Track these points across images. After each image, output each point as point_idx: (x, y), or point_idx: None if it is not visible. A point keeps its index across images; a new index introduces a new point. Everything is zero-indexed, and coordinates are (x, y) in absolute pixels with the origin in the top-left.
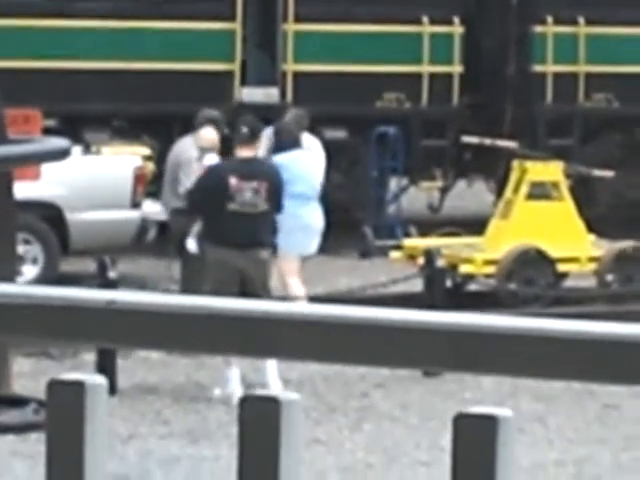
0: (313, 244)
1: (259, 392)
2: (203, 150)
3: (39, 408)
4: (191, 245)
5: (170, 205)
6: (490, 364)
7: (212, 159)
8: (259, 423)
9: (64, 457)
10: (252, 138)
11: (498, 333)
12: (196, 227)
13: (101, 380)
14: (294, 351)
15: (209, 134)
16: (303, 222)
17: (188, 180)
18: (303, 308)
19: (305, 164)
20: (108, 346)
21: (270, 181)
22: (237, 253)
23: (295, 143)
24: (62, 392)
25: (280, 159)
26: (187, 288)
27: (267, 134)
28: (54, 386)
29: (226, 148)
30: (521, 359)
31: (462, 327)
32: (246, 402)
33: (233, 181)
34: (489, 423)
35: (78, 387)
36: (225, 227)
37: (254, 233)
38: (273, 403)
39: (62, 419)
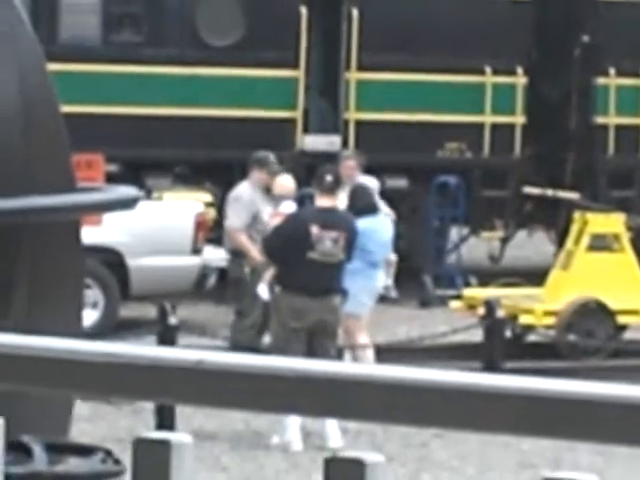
0: (372, 303)
1: (344, 453)
2: (280, 197)
3: (106, 457)
4: (263, 291)
5: (226, 247)
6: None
7: (289, 207)
8: None
9: None
10: (335, 187)
11: (566, 398)
12: (268, 273)
13: (187, 439)
14: (367, 412)
15: (286, 182)
16: (373, 287)
17: (234, 216)
18: (373, 370)
19: (384, 233)
20: (195, 405)
21: (348, 232)
22: (312, 301)
23: (373, 208)
24: (148, 450)
25: (362, 226)
26: (236, 335)
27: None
28: (140, 444)
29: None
30: (597, 424)
31: (532, 392)
32: (331, 463)
33: (315, 230)
34: None
35: (164, 446)
36: (302, 275)
37: (330, 281)
38: (358, 465)
39: (148, 478)
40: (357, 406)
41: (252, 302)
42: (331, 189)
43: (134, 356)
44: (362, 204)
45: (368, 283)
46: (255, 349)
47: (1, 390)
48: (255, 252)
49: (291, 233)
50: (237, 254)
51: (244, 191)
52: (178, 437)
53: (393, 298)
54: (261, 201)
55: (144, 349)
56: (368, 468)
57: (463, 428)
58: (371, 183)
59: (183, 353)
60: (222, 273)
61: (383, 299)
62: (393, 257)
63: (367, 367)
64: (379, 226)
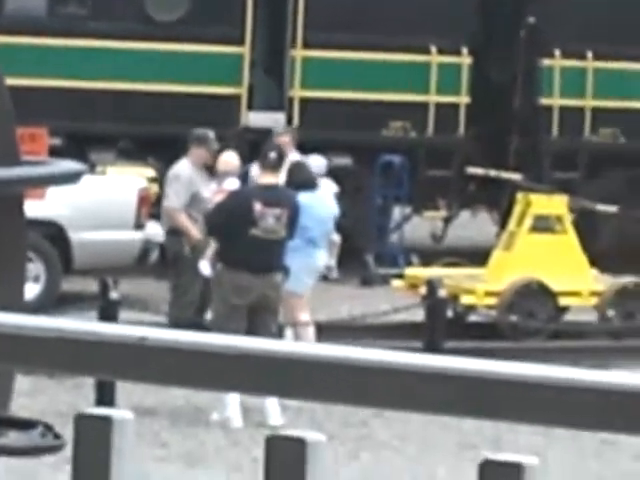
0: (312, 281)
1: (285, 432)
2: (224, 174)
3: (46, 432)
4: (204, 268)
5: (164, 224)
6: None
7: (233, 183)
8: (284, 464)
9: None
10: (278, 164)
11: (507, 380)
12: (210, 250)
13: (128, 415)
14: (311, 392)
15: (230, 158)
16: (312, 266)
17: (174, 195)
18: (320, 349)
19: (321, 208)
20: (137, 382)
21: (291, 209)
22: (254, 277)
23: (311, 184)
24: (89, 426)
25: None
26: (175, 312)
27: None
28: (81, 420)
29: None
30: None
31: (473, 373)
32: (273, 441)
33: (257, 207)
34: (515, 471)
35: (105, 421)
36: (245, 251)
37: (272, 258)
38: (299, 444)
39: (89, 454)
40: (297, 385)
41: (191, 279)
42: (274, 166)
43: (77, 331)
44: (299, 180)
45: (307, 261)
46: (195, 326)
47: None
48: (195, 231)
49: (234, 210)
50: (175, 232)
51: (183, 170)
52: (119, 413)
53: (334, 278)
54: (200, 180)
55: (88, 324)
56: (309, 447)
57: (403, 408)
58: (319, 162)
59: (127, 329)
60: (164, 249)
61: (324, 278)
62: (336, 238)
63: (307, 346)
64: (316, 202)
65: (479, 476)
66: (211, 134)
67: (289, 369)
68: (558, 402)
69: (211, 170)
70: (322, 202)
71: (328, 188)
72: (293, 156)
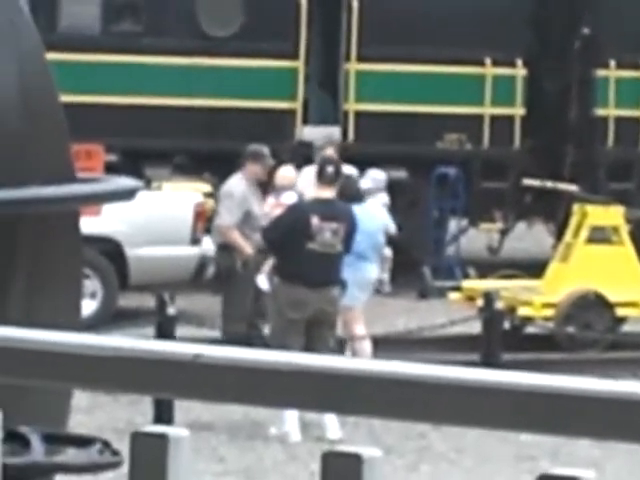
0: (365, 295)
1: (341, 448)
2: (282, 188)
3: (104, 448)
4: (262, 282)
5: (215, 240)
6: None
7: (290, 197)
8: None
9: None
10: (335, 179)
11: (564, 394)
12: (268, 264)
13: (184, 432)
14: (367, 407)
15: (287, 172)
16: (362, 279)
17: (226, 212)
18: (377, 365)
19: (368, 222)
20: (193, 400)
21: (348, 223)
22: (311, 292)
23: (358, 196)
24: (145, 444)
25: None
26: (229, 327)
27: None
28: (137, 437)
29: (270, 181)
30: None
31: (527, 387)
32: (327, 458)
33: (315, 221)
34: None
35: (161, 439)
36: (302, 266)
37: (329, 272)
38: (355, 460)
39: (145, 471)
40: (355, 401)
41: (243, 294)
42: (331, 180)
43: (132, 349)
44: (347, 192)
45: (357, 274)
46: (249, 340)
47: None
48: (248, 248)
49: (291, 224)
50: (227, 247)
51: (236, 187)
52: (175, 431)
53: (387, 292)
54: (253, 196)
55: (142, 342)
56: (365, 463)
57: (461, 423)
58: (379, 176)
59: (181, 347)
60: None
61: (378, 292)
62: (388, 252)
63: (365, 362)
64: (363, 215)
65: None
66: (266, 150)
67: (346, 385)
68: (614, 416)
69: (264, 186)
70: (369, 215)
71: (378, 201)
72: (345, 169)
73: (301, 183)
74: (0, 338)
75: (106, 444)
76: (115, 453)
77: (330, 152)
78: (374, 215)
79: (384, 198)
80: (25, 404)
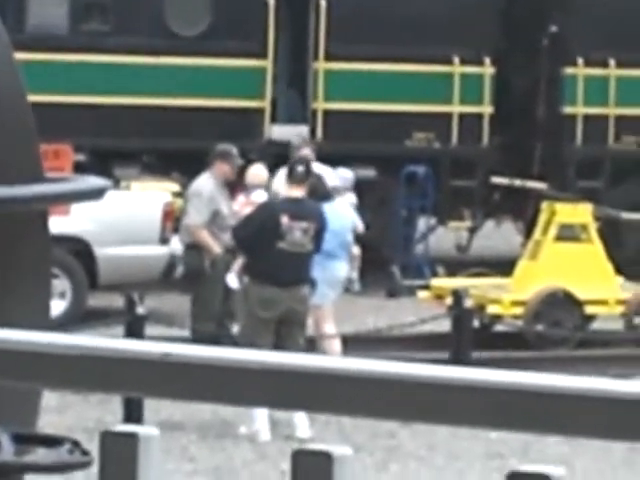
0: (335, 293)
1: (311, 446)
2: (252, 187)
3: (73, 448)
4: (232, 281)
5: (183, 240)
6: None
7: (261, 196)
8: (311, 478)
9: None
10: (305, 178)
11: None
12: (238, 263)
13: (154, 431)
14: (338, 406)
15: (259, 171)
16: (331, 278)
17: (195, 212)
18: (346, 363)
19: (335, 221)
20: (161, 398)
21: (318, 222)
22: (282, 291)
23: (326, 196)
24: (115, 443)
25: None
26: (198, 326)
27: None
28: (107, 437)
29: (238, 180)
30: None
31: (497, 385)
32: (299, 456)
33: (285, 220)
34: None
35: (131, 438)
36: (272, 265)
37: (299, 271)
38: (325, 458)
39: (115, 470)
40: (324, 399)
41: (212, 293)
42: (302, 180)
43: (100, 348)
44: (317, 192)
45: (326, 273)
46: (218, 339)
47: None
48: (216, 247)
49: (261, 223)
50: (195, 246)
51: (204, 186)
52: (145, 430)
53: (356, 291)
54: (221, 196)
55: (110, 341)
56: (336, 461)
57: (430, 421)
58: (346, 174)
59: (149, 345)
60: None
61: (347, 291)
62: (356, 250)
63: (334, 360)
64: (331, 213)
65: None
66: (235, 150)
67: (316, 383)
68: (585, 413)
69: (232, 185)
70: (337, 214)
71: (346, 200)
72: (315, 168)
73: (276, 184)
74: None
75: (76, 444)
76: (85, 453)
77: (306, 151)
78: (342, 214)
79: (352, 197)
80: None
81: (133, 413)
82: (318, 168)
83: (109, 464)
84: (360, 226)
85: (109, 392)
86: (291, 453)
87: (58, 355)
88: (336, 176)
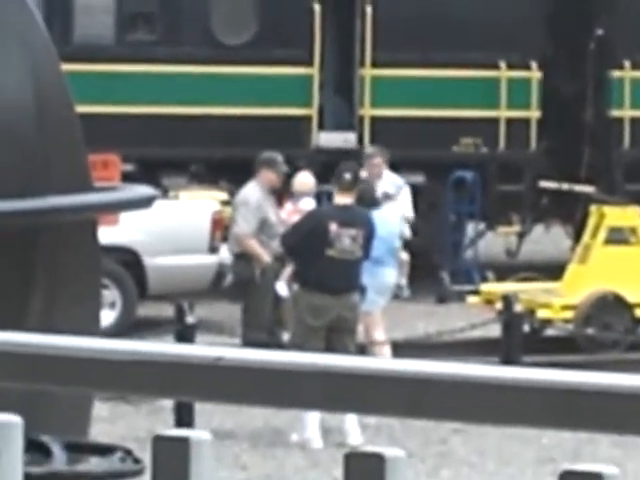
0: (385, 300)
1: (364, 449)
2: (300, 194)
3: (125, 456)
4: (282, 289)
5: (232, 249)
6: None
7: (309, 204)
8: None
9: None
10: (353, 185)
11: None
12: (287, 271)
13: (205, 436)
14: (387, 407)
15: (306, 179)
16: (380, 284)
17: (243, 221)
18: (393, 365)
19: (382, 227)
20: (214, 402)
21: (367, 229)
22: (331, 298)
23: (373, 202)
24: (167, 447)
25: None
26: (249, 334)
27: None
28: (159, 441)
29: (284, 188)
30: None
31: (554, 384)
32: (351, 458)
33: (333, 227)
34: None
35: (183, 443)
36: (321, 272)
37: (348, 279)
38: (378, 460)
39: (167, 475)
40: (377, 401)
41: (262, 302)
42: (350, 187)
43: (153, 353)
44: (365, 198)
45: (374, 280)
46: (269, 347)
47: (21, 390)
48: (266, 256)
49: (310, 230)
50: (244, 255)
51: (251, 195)
52: (197, 434)
53: (405, 297)
54: (268, 204)
55: (164, 346)
56: (388, 463)
57: (484, 422)
58: (398, 181)
59: (202, 350)
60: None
61: (396, 297)
62: (405, 256)
63: (387, 362)
64: (378, 220)
65: None
66: (280, 157)
67: (367, 385)
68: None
69: (278, 193)
70: (385, 220)
71: (394, 207)
72: (387, 176)
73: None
74: (20, 344)
75: (128, 452)
76: (137, 461)
77: (378, 161)
78: (389, 220)
79: (405, 206)
80: (47, 413)
81: (184, 422)
82: (387, 175)
83: (161, 468)
84: (407, 232)
85: (162, 397)
86: (343, 455)
87: (110, 361)
88: (390, 182)
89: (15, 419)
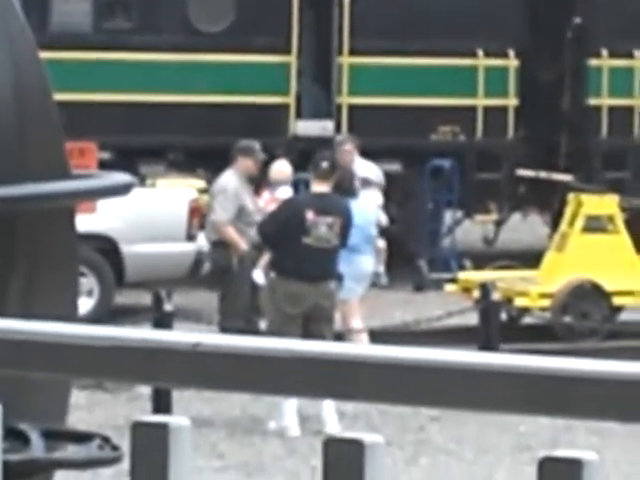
0: (362, 288)
1: (343, 435)
2: (276, 183)
3: (103, 444)
4: (258, 277)
5: (209, 237)
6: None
7: (286, 192)
8: (343, 466)
9: None
10: (330, 173)
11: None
12: (264, 259)
13: (185, 422)
14: (364, 393)
15: (283, 167)
16: (357, 272)
17: (220, 209)
18: (370, 350)
19: (358, 216)
20: (192, 388)
21: (344, 217)
22: (308, 286)
23: (351, 191)
24: (146, 433)
25: None
26: (226, 322)
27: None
28: (138, 427)
29: (262, 176)
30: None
31: (532, 370)
32: (330, 444)
33: (310, 215)
34: (575, 467)
35: (162, 429)
36: (298, 260)
37: (325, 267)
38: (357, 446)
39: (146, 461)
40: (355, 387)
41: (239, 290)
42: (326, 175)
43: (131, 339)
44: (343, 186)
45: (351, 268)
46: (245, 335)
47: None
48: (243, 244)
49: (287, 218)
50: (222, 243)
51: (229, 182)
52: (176, 420)
53: (383, 285)
54: (245, 192)
55: (142, 332)
56: (367, 449)
57: (462, 407)
58: (374, 170)
59: (180, 336)
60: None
61: (374, 285)
62: (382, 244)
63: (365, 347)
64: (354, 208)
65: (539, 474)
66: (257, 145)
67: (344, 370)
68: (614, 397)
69: (255, 181)
70: (360, 208)
71: (369, 195)
72: (358, 164)
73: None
74: None
75: (105, 439)
76: (115, 448)
77: (349, 147)
78: (365, 208)
79: (378, 196)
80: (24, 400)
81: (162, 410)
82: (360, 162)
83: (140, 455)
84: (384, 220)
85: (140, 383)
86: (322, 442)
87: (89, 347)
88: (370, 170)
89: None
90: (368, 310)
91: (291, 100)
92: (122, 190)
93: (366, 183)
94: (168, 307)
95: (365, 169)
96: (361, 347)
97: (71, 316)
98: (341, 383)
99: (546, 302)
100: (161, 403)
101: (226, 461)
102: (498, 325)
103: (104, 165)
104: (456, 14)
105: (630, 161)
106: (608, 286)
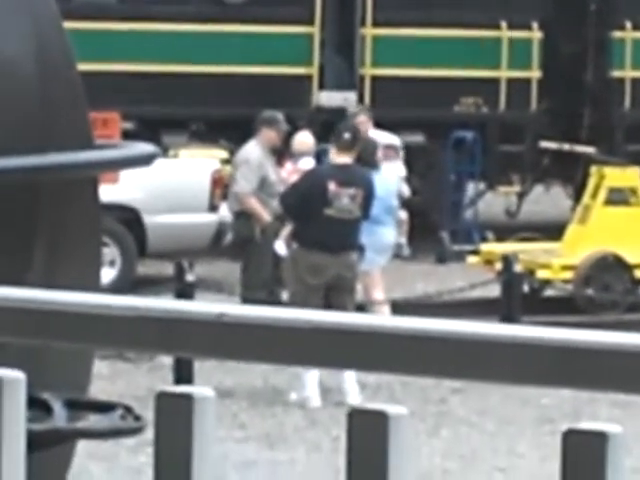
0: (384, 259)
1: (367, 406)
2: (299, 154)
3: (126, 414)
4: (280, 248)
5: (232, 208)
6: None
7: (308, 163)
8: (367, 437)
9: (172, 469)
10: (353, 144)
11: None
12: (286, 230)
13: (209, 392)
14: (386, 364)
15: (305, 138)
16: (378, 243)
17: (243, 179)
18: (400, 322)
19: (380, 185)
20: (216, 359)
21: (366, 189)
22: (330, 257)
23: (373, 163)
24: (170, 404)
25: None
26: (248, 293)
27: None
28: (162, 397)
29: (285, 147)
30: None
31: (554, 342)
32: (355, 415)
33: (332, 186)
34: (599, 439)
35: (186, 399)
36: (320, 231)
37: (347, 238)
38: (381, 417)
39: (170, 431)
40: (377, 358)
41: (262, 260)
42: (349, 146)
43: (155, 309)
44: (365, 157)
45: (372, 239)
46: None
47: (21, 346)
48: (266, 215)
49: (308, 190)
50: (244, 214)
51: (251, 153)
52: (201, 391)
53: (405, 256)
54: (268, 163)
55: (165, 302)
56: (392, 420)
57: (484, 380)
58: (394, 140)
59: (205, 306)
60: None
61: (397, 256)
62: (403, 215)
63: (387, 319)
64: (375, 179)
65: (563, 446)
66: (280, 116)
67: (367, 341)
68: (638, 369)
69: (278, 152)
70: (381, 179)
71: (392, 167)
72: (372, 134)
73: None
74: (21, 299)
75: (128, 409)
76: (137, 418)
77: (363, 119)
78: (386, 179)
79: (400, 168)
80: (47, 370)
81: (183, 380)
82: (374, 134)
83: (164, 425)
84: (406, 191)
85: (164, 353)
86: (347, 413)
87: (111, 316)
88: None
89: (19, 375)
90: (390, 282)
91: (314, 71)
92: (145, 160)
93: (390, 150)
94: (190, 278)
95: (386, 137)
96: (383, 318)
97: (94, 286)
98: (362, 354)
99: (568, 274)
100: (183, 374)
101: (247, 432)
102: (520, 297)
103: (127, 135)
104: None
105: None
106: (630, 258)
